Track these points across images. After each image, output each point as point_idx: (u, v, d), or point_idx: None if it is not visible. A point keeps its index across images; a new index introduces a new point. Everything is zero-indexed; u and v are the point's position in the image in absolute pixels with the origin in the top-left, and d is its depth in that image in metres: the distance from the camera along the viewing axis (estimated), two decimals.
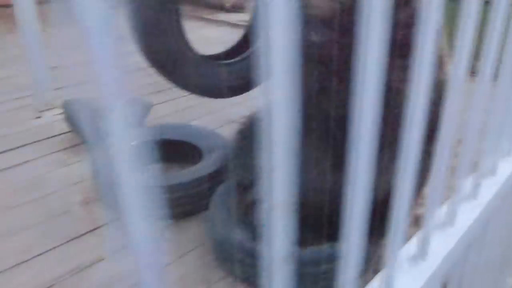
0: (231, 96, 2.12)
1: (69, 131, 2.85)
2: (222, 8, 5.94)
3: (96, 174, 2.27)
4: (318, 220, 1.41)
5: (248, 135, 2.03)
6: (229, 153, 2.08)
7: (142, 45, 1.73)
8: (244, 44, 2.10)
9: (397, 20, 1.26)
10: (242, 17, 5.29)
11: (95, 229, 2.08)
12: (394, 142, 0.77)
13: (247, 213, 1.80)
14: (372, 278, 0.83)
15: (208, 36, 5.29)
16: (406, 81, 1.05)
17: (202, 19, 5.97)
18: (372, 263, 1.48)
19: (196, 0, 6.38)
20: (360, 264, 0.67)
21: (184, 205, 2.08)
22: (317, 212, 1.40)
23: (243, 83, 2.05)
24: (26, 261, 1.89)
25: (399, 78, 1.42)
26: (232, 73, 2.02)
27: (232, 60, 2.05)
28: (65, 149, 2.74)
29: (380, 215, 1.14)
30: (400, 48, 1.37)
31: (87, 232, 2.05)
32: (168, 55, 1.72)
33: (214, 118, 3.13)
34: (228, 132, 2.58)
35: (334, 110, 1.30)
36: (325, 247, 1.57)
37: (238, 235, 1.72)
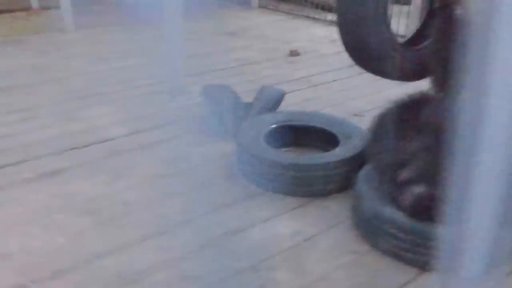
0: (416, 80, 2.29)
1: (204, 114, 3.11)
2: (329, 9, 6.07)
3: (239, 152, 2.49)
4: None
5: (393, 120, 2.15)
6: (371, 137, 2.22)
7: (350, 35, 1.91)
8: (424, 33, 2.25)
9: None
10: None
11: (237, 201, 2.29)
12: None
13: (398, 191, 1.92)
14: None
15: (316, 34, 5.46)
16: None
17: (310, 18, 6.16)
18: None
19: (303, 1, 6.58)
20: None
21: (330, 183, 2.25)
22: None
23: (425, 69, 2.20)
24: (184, 221, 2.14)
25: None
26: (420, 59, 2.18)
27: (418, 47, 2.20)
28: (201, 130, 3.01)
29: None
30: None
31: (233, 202, 2.27)
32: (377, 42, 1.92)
33: (335, 110, 3.28)
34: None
35: None
36: None
37: (389, 211, 1.85)
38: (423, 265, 1.77)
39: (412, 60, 2.11)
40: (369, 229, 1.93)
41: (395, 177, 1.95)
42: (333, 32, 5.44)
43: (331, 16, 5.98)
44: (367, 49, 1.97)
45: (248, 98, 3.11)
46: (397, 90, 3.51)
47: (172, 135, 2.96)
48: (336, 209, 2.20)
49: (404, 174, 1.91)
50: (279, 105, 3.04)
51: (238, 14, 6.54)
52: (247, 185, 2.40)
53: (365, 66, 2.19)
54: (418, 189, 1.87)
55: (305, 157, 2.45)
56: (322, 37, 5.34)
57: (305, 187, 2.27)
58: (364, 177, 2.06)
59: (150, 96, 3.53)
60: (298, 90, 3.67)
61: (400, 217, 1.82)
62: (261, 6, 6.84)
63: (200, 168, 2.59)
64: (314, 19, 6.10)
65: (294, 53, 4.59)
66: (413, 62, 2.12)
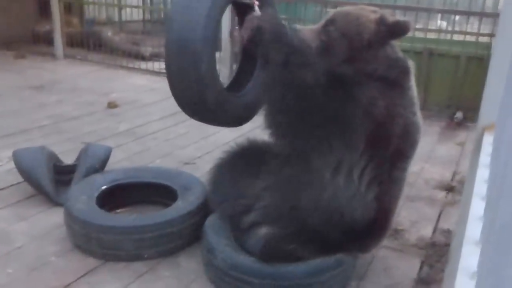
0: (242, 124, 2.36)
1: (19, 183, 2.75)
2: (143, 58, 6.08)
3: (69, 221, 2.24)
4: None
5: (230, 168, 2.21)
6: (211, 188, 2.24)
7: None
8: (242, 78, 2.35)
9: None
10: (161, 66, 5.45)
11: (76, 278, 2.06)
12: None
13: (245, 237, 1.96)
14: None
15: (134, 84, 5.38)
16: None
17: (124, 67, 6.04)
18: None
19: (116, 50, 6.42)
20: None
21: (177, 239, 2.18)
22: None
23: (249, 114, 2.30)
24: None
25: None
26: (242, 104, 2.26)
27: (240, 93, 2.28)
28: (19, 201, 2.64)
29: None
30: None
31: (73, 281, 2.03)
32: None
33: (165, 161, 3.24)
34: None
35: None
36: None
37: (242, 259, 1.87)
38: None
39: (239, 106, 2.24)
40: (226, 281, 1.91)
41: (241, 223, 1.99)
42: (152, 81, 5.47)
43: (146, 65, 5.99)
44: (204, 104, 2.02)
45: (70, 159, 2.87)
46: (222, 135, 3.66)
47: None
48: (188, 265, 2.14)
49: (248, 219, 1.96)
50: (106, 163, 2.86)
51: (42, 65, 6.08)
52: (84, 258, 2.17)
53: (200, 118, 2.25)
54: (263, 231, 1.93)
55: (146, 216, 2.33)
56: (141, 86, 5.28)
57: (151, 248, 2.15)
58: (212, 228, 2.05)
59: None
60: (124, 144, 3.53)
61: (252, 263, 1.85)
62: (67, 57, 6.48)
63: (26, 247, 2.25)
64: (128, 68, 6.01)
65: (112, 105, 4.43)
66: (240, 108, 2.25)
